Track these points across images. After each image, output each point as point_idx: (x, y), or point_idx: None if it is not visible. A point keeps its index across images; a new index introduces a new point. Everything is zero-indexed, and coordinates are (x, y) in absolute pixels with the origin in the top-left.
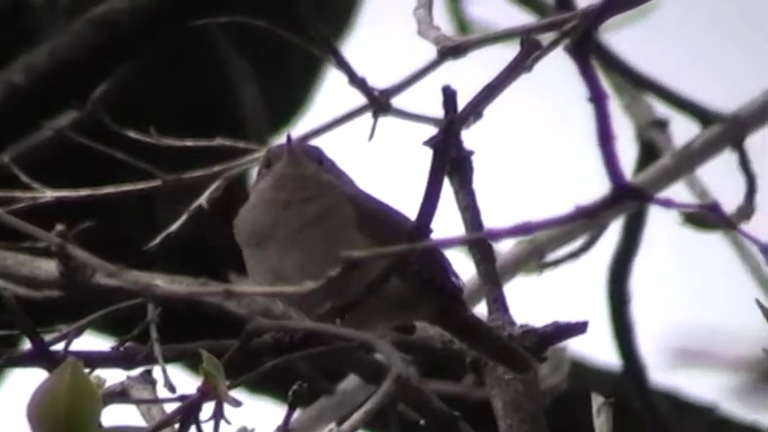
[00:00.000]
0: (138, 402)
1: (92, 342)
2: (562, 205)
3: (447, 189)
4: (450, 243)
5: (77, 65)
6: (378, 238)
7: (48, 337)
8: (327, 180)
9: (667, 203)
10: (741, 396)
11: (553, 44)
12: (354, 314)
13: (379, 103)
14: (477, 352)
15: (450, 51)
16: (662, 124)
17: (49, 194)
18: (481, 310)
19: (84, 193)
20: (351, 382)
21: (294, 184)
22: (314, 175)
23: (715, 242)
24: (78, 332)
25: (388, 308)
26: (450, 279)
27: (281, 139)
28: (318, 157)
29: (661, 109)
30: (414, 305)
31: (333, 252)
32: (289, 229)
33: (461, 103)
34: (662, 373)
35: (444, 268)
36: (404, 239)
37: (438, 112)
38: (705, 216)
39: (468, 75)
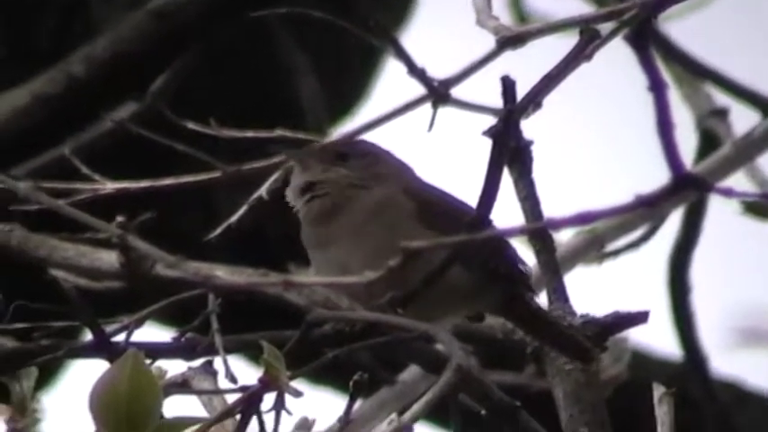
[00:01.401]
0: (199, 393)
1: (153, 333)
2: (622, 195)
3: (507, 179)
4: (510, 233)
5: (137, 56)
6: (439, 227)
7: (109, 329)
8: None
9: (728, 192)
10: None
11: (612, 34)
12: (420, 305)
13: (438, 93)
14: (539, 341)
15: (510, 41)
16: (722, 113)
17: (109, 186)
18: (542, 300)
19: (144, 184)
20: (411, 372)
21: (301, 193)
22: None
23: None
24: (139, 323)
25: (453, 297)
26: (517, 266)
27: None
28: (341, 153)
29: (721, 98)
30: (479, 294)
31: (394, 243)
32: (351, 223)
33: (521, 93)
34: (725, 356)
35: (510, 256)
36: (464, 228)
37: (497, 102)
38: (766, 205)
39: (528, 65)
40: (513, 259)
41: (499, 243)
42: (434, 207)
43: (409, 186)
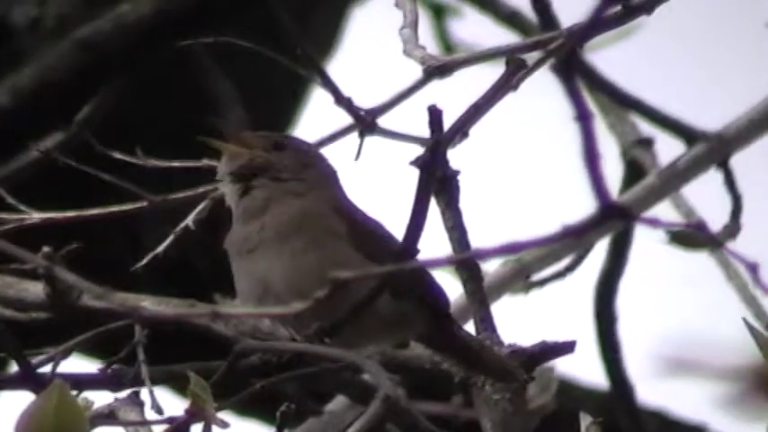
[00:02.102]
0: (126, 424)
1: (79, 364)
2: (549, 225)
3: (434, 208)
4: (438, 263)
5: (62, 86)
6: (367, 253)
7: (35, 360)
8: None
9: (654, 222)
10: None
11: (538, 64)
12: (346, 334)
13: (365, 122)
14: (465, 367)
15: (436, 71)
16: (647, 143)
17: (35, 216)
18: (469, 329)
19: (70, 214)
20: (339, 402)
21: (237, 177)
22: (256, 156)
23: (701, 261)
24: (65, 354)
25: (379, 326)
26: (440, 296)
27: None
28: (278, 142)
29: (646, 128)
30: (405, 323)
31: (320, 263)
32: (274, 231)
33: (447, 122)
34: (651, 385)
35: (432, 286)
36: (391, 257)
37: (424, 131)
38: (691, 234)
39: (454, 94)
40: (437, 288)
41: (424, 274)
42: (363, 229)
43: (339, 203)
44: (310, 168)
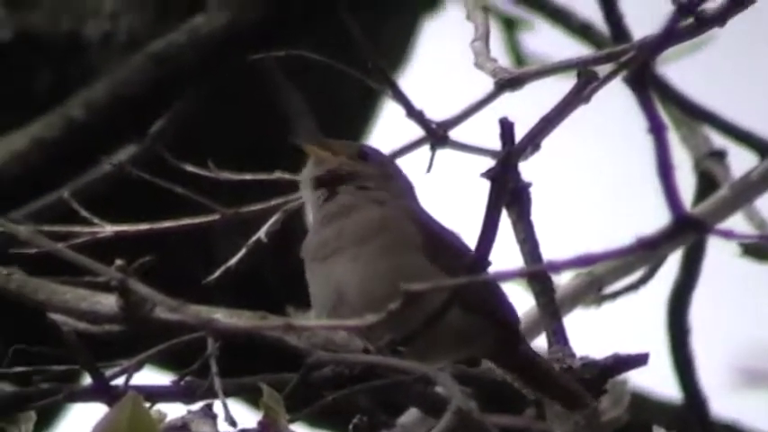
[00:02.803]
0: None
1: (152, 377)
2: (622, 237)
3: (505, 221)
4: (510, 275)
5: (136, 100)
6: (441, 265)
7: (108, 372)
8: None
9: (727, 234)
10: None
11: (610, 76)
12: (414, 346)
13: (436, 135)
14: (532, 388)
15: (508, 83)
16: (720, 155)
17: (108, 229)
18: (541, 342)
19: (143, 227)
20: (411, 415)
21: (321, 183)
22: (343, 164)
23: None
24: (138, 367)
25: (447, 340)
26: (509, 312)
27: None
28: (363, 151)
29: (718, 140)
30: (473, 338)
31: (394, 272)
32: (352, 236)
33: (519, 134)
34: (724, 397)
35: (502, 301)
36: (463, 270)
37: (496, 144)
38: (764, 247)
39: (526, 107)
40: (508, 304)
41: (494, 287)
42: (438, 241)
43: (417, 214)
44: (392, 179)
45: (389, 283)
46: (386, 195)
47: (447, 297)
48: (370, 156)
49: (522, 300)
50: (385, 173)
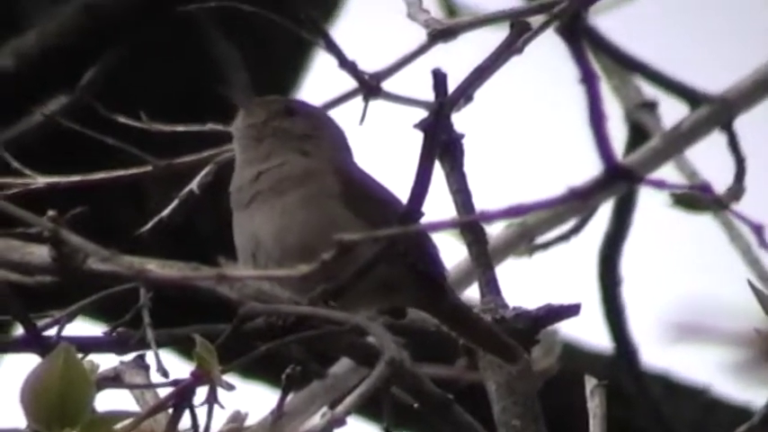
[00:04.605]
0: (131, 387)
1: (84, 327)
2: (553, 187)
3: (438, 172)
4: (442, 226)
5: (66, 49)
6: (366, 215)
7: (40, 323)
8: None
9: (658, 184)
10: (733, 373)
11: (543, 27)
12: (345, 297)
13: (369, 86)
14: (464, 339)
15: (441, 34)
16: (651, 106)
17: (40, 180)
18: (473, 292)
19: (75, 178)
20: (343, 365)
21: (248, 134)
22: (269, 120)
23: (705, 223)
24: (71, 317)
25: (371, 291)
26: (435, 265)
27: None
28: (289, 107)
29: (650, 90)
30: (396, 289)
31: (314, 224)
32: (273, 186)
33: (452, 86)
34: (656, 350)
35: (429, 253)
36: (392, 220)
37: (428, 95)
38: (695, 197)
39: (459, 58)
40: (433, 256)
41: (421, 239)
42: (362, 192)
43: (341, 164)
44: (320, 133)
45: (308, 231)
46: (310, 148)
47: (381, 248)
48: (296, 110)
49: (454, 250)
50: (314, 125)
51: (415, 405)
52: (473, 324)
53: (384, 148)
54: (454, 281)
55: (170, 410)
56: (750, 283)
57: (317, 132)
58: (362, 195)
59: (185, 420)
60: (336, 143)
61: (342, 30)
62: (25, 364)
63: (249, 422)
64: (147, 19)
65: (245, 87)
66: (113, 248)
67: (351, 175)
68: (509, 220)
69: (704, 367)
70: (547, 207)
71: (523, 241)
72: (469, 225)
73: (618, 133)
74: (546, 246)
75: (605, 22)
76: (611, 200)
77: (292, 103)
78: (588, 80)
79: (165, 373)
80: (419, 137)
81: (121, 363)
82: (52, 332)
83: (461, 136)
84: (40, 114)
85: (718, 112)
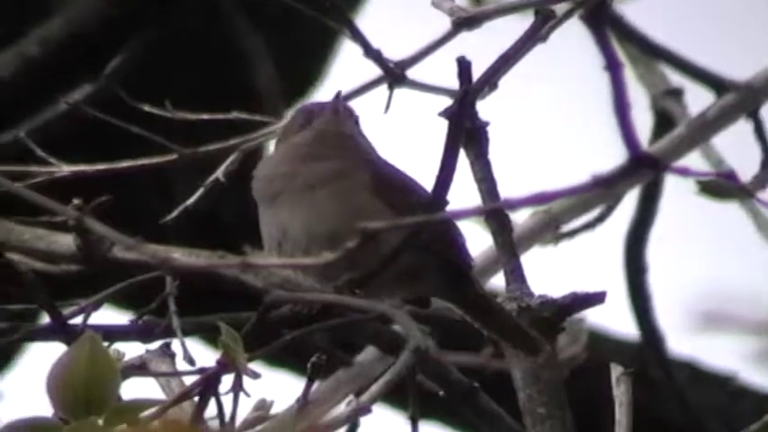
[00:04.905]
0: (157, 375)
1: (110, 316)
2: (579, 175)
3: (463, 160)
4: (467, 214)
5: (92, 37)
6: (391, 205)
7: (66, 312)
8: (356, 142)
9: (684, 172)
10: (760, 361)
11: (568, 14)
12: (371, 286)
13: (394, 74)
14: (487, 330)
15: (465, 22)
16: (676, 93)
17: (65, 169)
18: (499, 281)
19: (100, 167)
20: (369, 353)
21: (334, 142)
22: (352, 136)
23: (731, 211)
24: (96, 306)
25: (396, 280)
26: (461, 253)
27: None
28: (356, 119)
29: (675, 78)
30: (422, 278)
31: (341, 214)
32: (305, 182)
33: (476, 74)
34: (682, 338)
35: (456, 242)
36: (419, 209)
37: (453, 83)
38: (721, 185)
39: (484, 46)
40: (459, 246)
41: (448, 228)
42: (390, 182)
43: (370, 160)
44: (341, 125)
45: (336, 220)
46: (329, 152)
47: (406, 236)
48: (314, 116)
49: (479, 238)
50: (333, 123)
51: (441, 393)
52: (496, 314)
53: (409, 136)
54: (479, 269)
55: (196, 398)
56: None
57: (339, 127)
58: (391, 186)
59: (211, 408)
60: (358, 135)
61: (367, 18)
62: (51, 352)
63: (275, 410)
64: (175, 6)
65: (270, 77)
66: (139, 237)
67: (379, 167)
68: (534, 208)
69: (731, 355)
70: (571, 195)
71: (549, 229)
72: (494, 213)
73: (643, 121)
74: (571, 234)
75: (630, 9)
76: (636, 188)
77: (310, 109)
78: (613, 68)
79: (190, 362)
80: (444, 125)
81: (147, 351)
82: (78, 320)
83: (486, 124)
84: (64, 103)
85: (744, 100)
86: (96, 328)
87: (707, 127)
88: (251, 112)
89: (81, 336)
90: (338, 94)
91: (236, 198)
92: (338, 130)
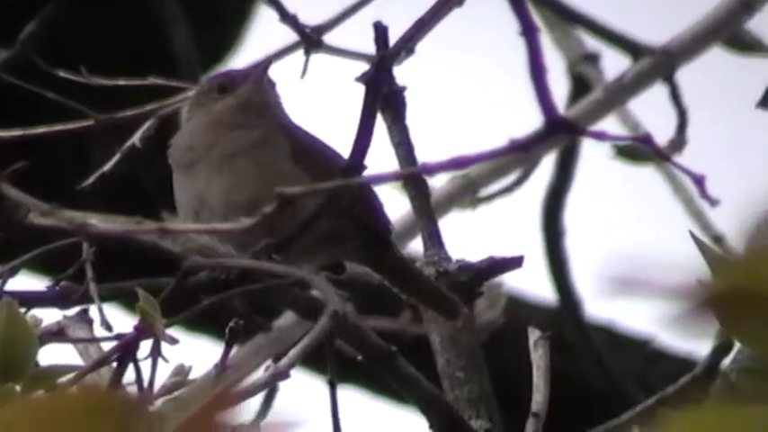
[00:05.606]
0: (74, 341)
1: (27, 282)
2: (496, 140)
3: (380, 125)
4: (384, 179)
5: (4, 3)
6: (310, 171)
7: None
8: (276, 111)
9: (600, 136)
10: (676, 325)
11: None
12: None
13: (310, 39)
14: (405, 294)
15: None
16: (593, 58)
17: None
18: (417, 245)
19: (16, 133)
20: (287, 318)
21: (257, 111)
22: (276, 104)
23: (647, 174)
24: (13, 272)
25: (315, 245)
26: (380, 218)
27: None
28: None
29: (592, 43)
30: (341, 243)
31: (261, 181)
32: (224, 151)
33: (393, 38)
34: (598, 304)
35: (374, 207)
36: (336, 175)
37: (370, 48)
38: (637, 149)
39: (400, 11)
40: (377, 210)
41: (366, 193)
42: (306, 147)
43: (287, 126)
44: (263, 97)
45: (255, 188)
46: (247, 121)
47: (323, 201)
48: (228, 87)
49: (397, 203)
50: (249, 92)
51: (359, 358)
52: (414, 279)
53: (326, 101)
54: (397, 234)
55: (114, 364)
56: (692, 235)
57: (255, 96)
58: (309, 153)
59: (129, 374)
60: (277, 104)
61: None
62: None
63: (193, 375)
64: None
65: (186, 41)
66: (55, 203)
67: (297, 135)
68: (452, 173)
69: (648, 319)
70: (489, 159)
71: (467, 194)
72: (412, 178)
73: (560, 86)
74: (489, 198)
75: None
76: (553, 152)
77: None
78: (529, 32)
79: (108, 327)
80: (361, 90)
81: (65, 317)
82: None
83: (403, 89)
84: None
85: (660, 64)
86: (13, 294)
87: (623, 91)
88: (168, 77)
89: None
90: (267, 63)
91: (156, 164)
92: (263, 100)
